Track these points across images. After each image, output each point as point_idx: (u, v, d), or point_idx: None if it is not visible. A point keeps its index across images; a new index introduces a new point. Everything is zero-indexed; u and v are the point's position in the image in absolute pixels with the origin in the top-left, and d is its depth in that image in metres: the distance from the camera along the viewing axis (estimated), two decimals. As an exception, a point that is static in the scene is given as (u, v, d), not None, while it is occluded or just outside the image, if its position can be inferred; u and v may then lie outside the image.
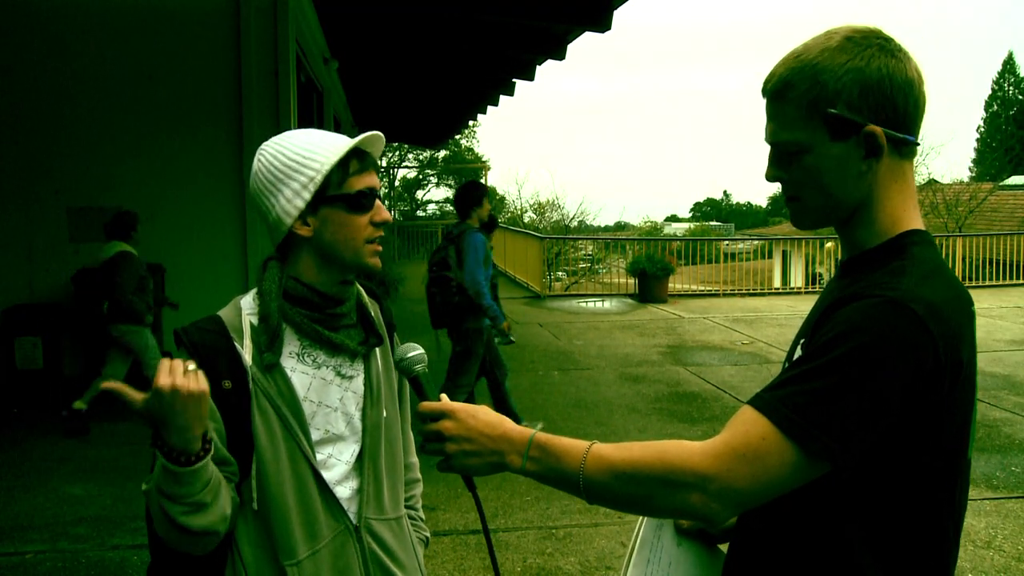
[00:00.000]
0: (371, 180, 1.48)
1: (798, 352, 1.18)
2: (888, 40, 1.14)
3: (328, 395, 1.50)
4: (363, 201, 1.46)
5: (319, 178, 1.42)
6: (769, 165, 1.22)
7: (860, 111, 1.11)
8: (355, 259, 1.48)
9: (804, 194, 1.19)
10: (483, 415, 1.22)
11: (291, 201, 1.44)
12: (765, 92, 1.19)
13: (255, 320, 1.47)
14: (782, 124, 1.17)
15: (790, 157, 1.18)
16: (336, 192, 1.44)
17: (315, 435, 1.47)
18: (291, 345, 1.48)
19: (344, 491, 1.50)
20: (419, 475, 1.78)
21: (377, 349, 1.58)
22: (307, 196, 1.43)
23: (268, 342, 1.44)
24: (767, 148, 1.24)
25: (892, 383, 1.04)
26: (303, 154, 1.44)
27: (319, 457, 1.48)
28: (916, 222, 1.19)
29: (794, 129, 1.15)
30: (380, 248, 1.50)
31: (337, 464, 1.50)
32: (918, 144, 1.18)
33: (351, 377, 1.53)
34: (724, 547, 1.41)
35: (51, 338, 6.78)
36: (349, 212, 1.45)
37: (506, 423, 1.22)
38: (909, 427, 1.07)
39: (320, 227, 1.46)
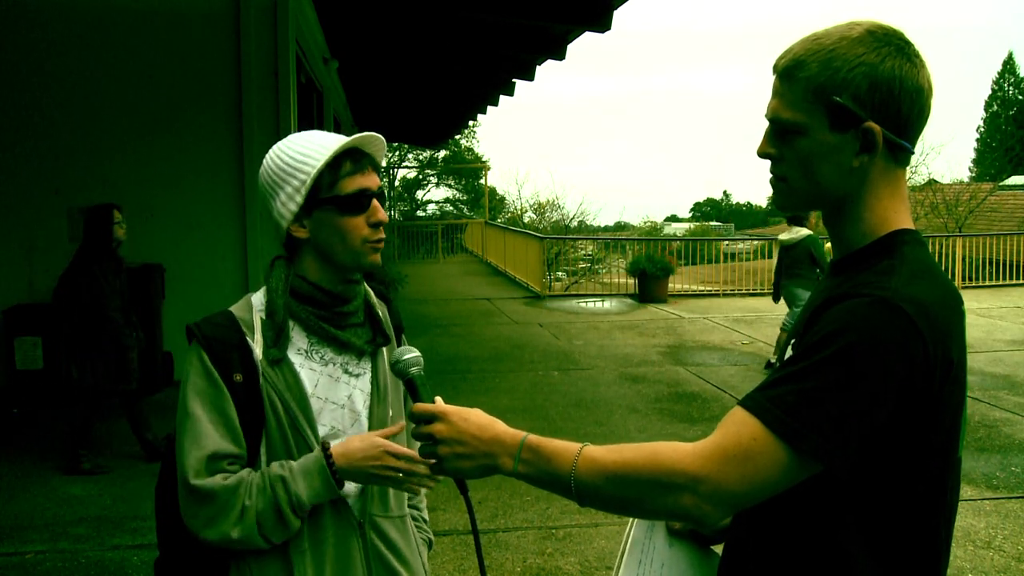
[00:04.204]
0: (366, 181, 1.48)
1: (788, 352, 1.18)
2: (908, 44, 1.14)
3: (336, 392, 1.52)
4: (356, 203, 1.46)
5: (309, 181, 1.43)
6: (763, 141, 1.22)
7: (864, 106, 1.11)
8: (353, 260, 1.49)
9: (791, 176, 1.19)
10: (475, 418, 1.22)
11: (285, 205, 1.47)
12: (776, 68, 1.19)
13: (265, 316, 1.49)
14: (785, 102, 1.16)
15: (785, 137, 1.18)
16: (328, 195, 1.45)
17: (321, 431, 1.49)
18: (299, 342, 1.50)
19: (349, 487, 1.51)
20: None
21: (384, 349, 1.60)
22: (299, 200, 1.45)
23: (274, 338, 1.46)
24: None
25: (882, 383, 1.04)
26: (297, 157, 1.45)
27: None
28: (906, 222, 1.19)
29: (796, 109, 1.15)
30: (380, 246, 1.51)
31: None
32: (912, 153, 1.18)
33: (358, 375, 1.55)
34: (717, 548, 1.41)
35: (51, 338, 6.78)
36: (341, 214, 1.46)
37: (498, 425, 1.22)
38: (900, 426, 1.08)
39: (315, 229, 1.48)
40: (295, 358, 1.49)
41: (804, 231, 8.05)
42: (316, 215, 1.47)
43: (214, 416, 1.41)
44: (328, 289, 1.50)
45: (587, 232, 23.86)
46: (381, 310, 1.64)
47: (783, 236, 8.27)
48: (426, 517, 1.79)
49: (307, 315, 1.49)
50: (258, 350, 1.46)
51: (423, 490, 1.78)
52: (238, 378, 1.43)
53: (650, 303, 13.00)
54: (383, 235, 1.51)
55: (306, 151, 1.45)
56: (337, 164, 1.45)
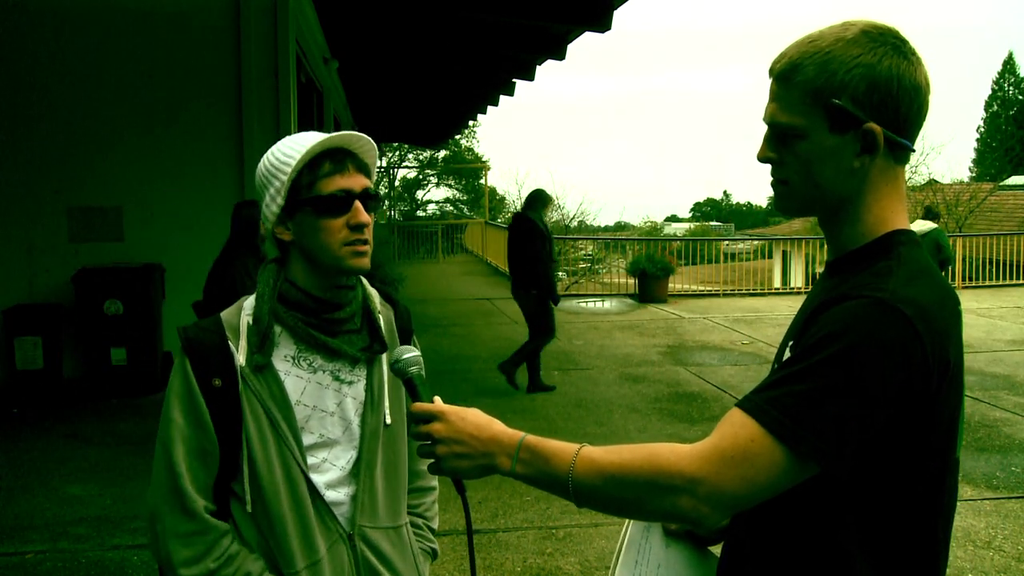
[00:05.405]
0: (346, 182, 1.43)
1: (787, 354, 1.17)
2: (904, 42, 1.13)
3: (324, 400, 1.48)
4: (334, 204, 1.42)
5: (287, 181, 1.41)
6: (763, 145, 1.21)
7: (863, 107, 1.11)
8: (333, 263, 1.45)
9: (792, 180, 1.19)
10: (472, 417, 1.21)
11: (268, 207, 1.46)
12: (772, 72, 1.18)
13: (252, 321, 1.47)
14: (783, 106, 1.16)
15: (785, 140, 1.17)
16: (306, 195, 1.43)
17: (309, 439, 1.47)
18: (287, 348, 1.47)
19: (337, 496, 1.49)
20: (434, 483, 1.75)
21: (383, 355, 1.55)
22: (280, 201, 1.43)
23: (258, 344, 1.44)
24: None
25: (880, 384, 1.04)
26: (281, 158, 1.43)
27: (312, 461, 1.47)
28: (903, 222, 1.19)
29: (794, 113, 1.14)
30: (363, 249, 1.45)
31: (331, 469, 1.49)
32: (913, 151, 1.17)
33: (351, 382, 1.51)
34: (715, 549, 1.41)
35: (51, 338, 6.79)
36: (318, 216, 1.42)
37: (496, 425, 1.21)
38: (898, 427, 1.07)
39: (298, 231, 1.45)
40: (281, 365, 1.46)
41: (931, 224, 8.46)
42: (298, 217, 1.44)
43: (192, 419, 1.42)
44: (317, 295, 1.47)
45: (587, 232, 23.85)
46: (385, 313, 1.59)
47: (913, 227, 8.48)
48: (433, 527, 1.74)
49: (295, 321, 1.46)
50: (240, 356, 1.43)
51: (432, 497, 1.75)
52: (217, 383, 1.41)
53: (650, 303, 13.00)
54: (365, 236, 1.44)
55: (289, 152, 1.43)
56: (316, 164, 1.42)
